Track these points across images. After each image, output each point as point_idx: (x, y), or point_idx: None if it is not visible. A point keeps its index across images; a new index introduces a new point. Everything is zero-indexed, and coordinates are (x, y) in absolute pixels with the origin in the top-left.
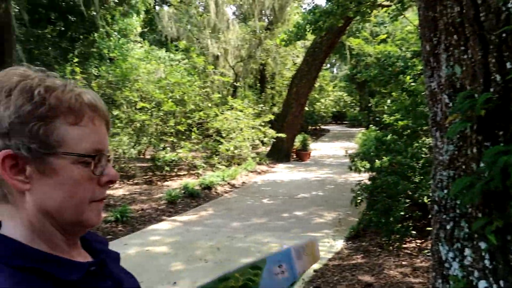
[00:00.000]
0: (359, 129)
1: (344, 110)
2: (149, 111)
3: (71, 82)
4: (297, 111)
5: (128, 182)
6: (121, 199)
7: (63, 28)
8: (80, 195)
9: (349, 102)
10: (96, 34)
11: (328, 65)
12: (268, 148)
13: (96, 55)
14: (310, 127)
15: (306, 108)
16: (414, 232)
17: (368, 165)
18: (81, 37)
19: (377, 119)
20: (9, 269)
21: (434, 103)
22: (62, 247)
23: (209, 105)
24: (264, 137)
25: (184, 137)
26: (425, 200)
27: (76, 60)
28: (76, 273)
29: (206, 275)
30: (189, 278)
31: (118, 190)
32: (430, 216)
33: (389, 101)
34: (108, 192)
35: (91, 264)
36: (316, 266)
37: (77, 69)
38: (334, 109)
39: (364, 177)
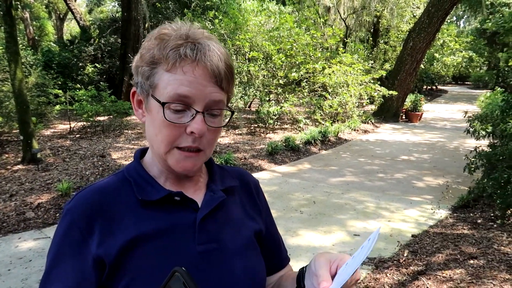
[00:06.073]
0: (484, 91)
1: (469, 69)
2: (257, 63)
3: (187, 32)
4: (411, 68)
5: (233, 132)
6: (226, 147)
7: None
8: (162, 135)
9: (475, 60)
10: None
11: (454, 18)
12: (375, 107)
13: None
14: (425, 87)
15: (422, 66)
16: None
17: (490, 129)
18: None
19: (507, 79)
20: (121, 175)
21: None
22: (168, 177)
23: (318, 55)
24: (372, 94)
25: (289, 90)
26: None
27: (197, 11)
28: (155, 195)
29: (300, 226)
30: (283, 226)
31: (225, 139)
32: None
33: None
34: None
35: (172, 193)
36: (415, 231)
37: (195, 23)
38: (454, 69)
39: (482, 144)
